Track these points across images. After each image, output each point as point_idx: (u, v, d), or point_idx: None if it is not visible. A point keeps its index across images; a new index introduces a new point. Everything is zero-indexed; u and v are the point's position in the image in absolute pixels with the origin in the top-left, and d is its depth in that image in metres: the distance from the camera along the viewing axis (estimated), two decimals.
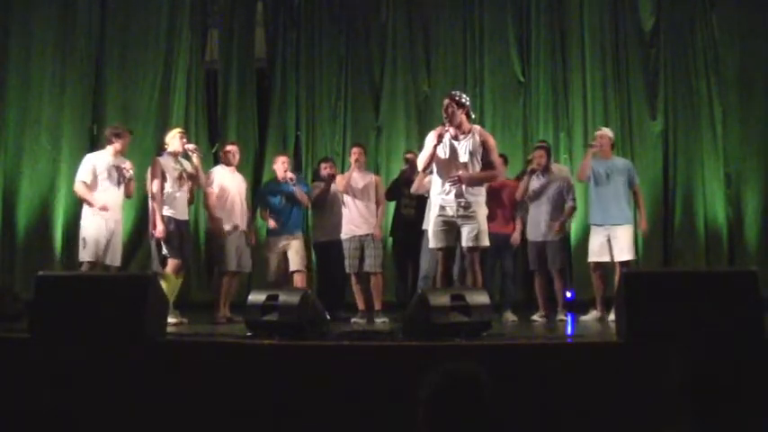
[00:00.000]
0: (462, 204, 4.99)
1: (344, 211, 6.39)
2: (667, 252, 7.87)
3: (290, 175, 6.41)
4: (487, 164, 5.10)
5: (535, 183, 6.40)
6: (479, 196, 5.09)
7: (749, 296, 3.75)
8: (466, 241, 4.99)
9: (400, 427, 2.50)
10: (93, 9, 8.08)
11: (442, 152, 5.05)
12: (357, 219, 6.33)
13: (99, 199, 5.78)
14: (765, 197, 7.70)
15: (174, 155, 6.09)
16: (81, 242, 5.82)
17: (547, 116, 8.16)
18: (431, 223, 5.16)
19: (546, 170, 6.42)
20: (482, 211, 5.09)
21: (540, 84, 8.22)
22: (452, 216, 5.01)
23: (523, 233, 6.57)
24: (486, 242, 5.08)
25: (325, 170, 6.66)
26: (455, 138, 5.06)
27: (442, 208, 5.04)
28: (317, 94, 8.50)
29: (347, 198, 6.34)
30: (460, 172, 4.98)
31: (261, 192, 6.89)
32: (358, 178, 6.39)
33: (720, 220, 7.77)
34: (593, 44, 8.18)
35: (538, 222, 6.40)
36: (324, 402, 3.71)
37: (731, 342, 3.55)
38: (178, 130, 6.31)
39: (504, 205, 6.46)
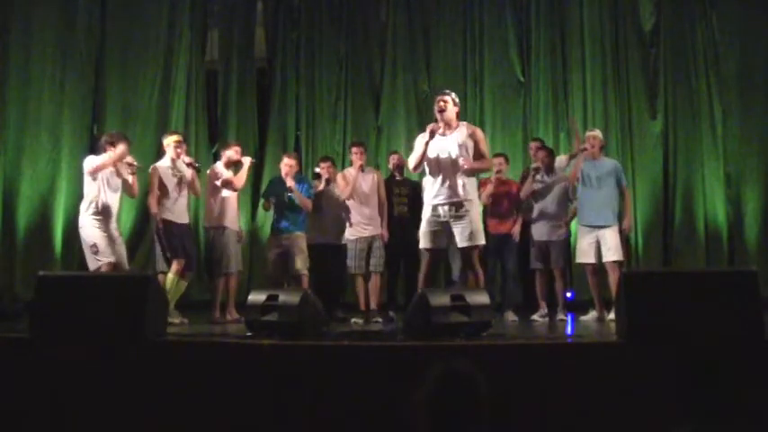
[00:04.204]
0: (454, 205, 4.97)
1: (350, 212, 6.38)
2: (667, 252, 7.86)
3: (290, 183, 6.33)
4: (479, 155, 5.08)
5: (539, 182, 6.41)
6: (471, 195, 5.06)
7: (749, 296, 3.75)
8: (460, 241, 4.97)
9: (400, 427, 2.50)
10: (93, 9, 8.06)
11: (434, 150, 5.04)
12: (364, 220, 6.32)
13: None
14: (765, 197, 7.70)
15: (173, 160, 6.08)
16: (90, 248, 5.56)
17: (547, 116, 8.17)
18: (423, 223, 5.14)
19: (550, 170, 6.43)
20: (475, 210, 5.07)
21: (540, 84, 8.23)
22: (444, 218, 5.00)
23: (525, 232, 6.58)
24: (481, 240, 5.06)
25: (322, 170, 6.61)
26: (443, 134, 5.07)
27: (435, 209, 5.03)
28: (317, 94, 8.50)
29: (352, 201, 6.33)
30: (461, 160, 4.96)
31: (270, 185, 6.74)
32: (362, 180, 6.38)
33: (720, 219, 7.76)
34: (593, 44, 8.18)
35: (542, 222, 6.40)
36: (324, 402, 3.71)
37: (731, 342, 3.56)
38: (174, 138, 6.17)
39: (505, 205, 6.45)
